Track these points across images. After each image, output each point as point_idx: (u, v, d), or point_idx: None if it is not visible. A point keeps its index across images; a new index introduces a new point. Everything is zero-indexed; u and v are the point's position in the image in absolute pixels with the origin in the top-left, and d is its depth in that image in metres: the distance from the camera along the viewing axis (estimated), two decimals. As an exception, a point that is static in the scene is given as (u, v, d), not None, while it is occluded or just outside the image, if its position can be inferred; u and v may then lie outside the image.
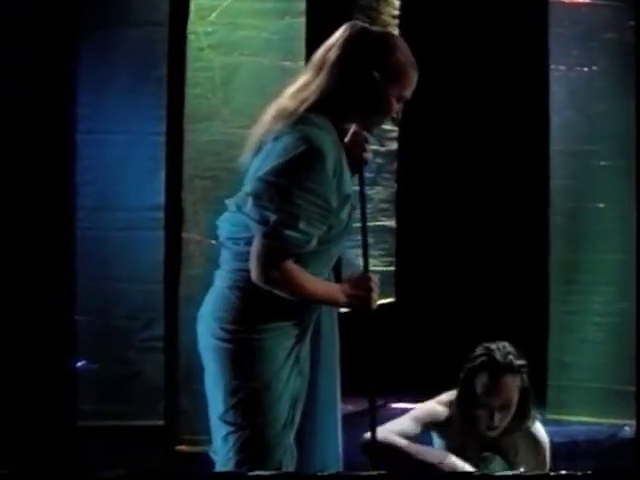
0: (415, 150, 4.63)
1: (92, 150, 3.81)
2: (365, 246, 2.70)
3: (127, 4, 3.81)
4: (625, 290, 3.89)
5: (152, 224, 3.80)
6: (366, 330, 2.56)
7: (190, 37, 3.73)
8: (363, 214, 2.65)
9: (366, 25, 2.54)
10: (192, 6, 3.74)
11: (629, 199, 3.93)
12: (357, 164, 2.59)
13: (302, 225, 2.36)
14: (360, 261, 4.12)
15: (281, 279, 2.37)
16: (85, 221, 3.81)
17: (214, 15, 3.73)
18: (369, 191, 4.22)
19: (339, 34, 2.47)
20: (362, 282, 2.54)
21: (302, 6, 3.70)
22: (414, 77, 2.52)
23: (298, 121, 2.42)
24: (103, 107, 3.81)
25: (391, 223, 4.50)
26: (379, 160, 4.37)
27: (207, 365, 2.47)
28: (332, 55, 2.45)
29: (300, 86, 2.47)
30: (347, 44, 2.45)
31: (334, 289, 2.50)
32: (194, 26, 3.74)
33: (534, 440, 2.89)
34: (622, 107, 3.90)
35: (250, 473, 2.39)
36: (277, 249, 2.36)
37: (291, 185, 2.35)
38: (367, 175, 4.17)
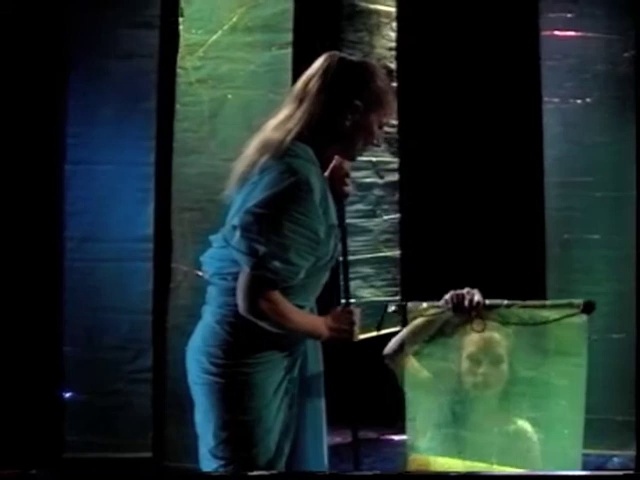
0: (418, 180, 4.72)
1: (81, 181, 3.92)
2: (346, 279, 2.80)
3: (117, 36, 3.93)
4: (620, 321, 3.94)
5: (141, 255, 3.89)
6: (348, 362, 2.68)
7: (179, 72, 3.87)
8: (344, 247, 2.74)
9: (344, 55, 2.65)
10: (181, 41, 3.88)
11: (624, 230, 3.98)
12: (338, 198, 2.68)
13: (291, 256, 2.43)
14: (360, 292, 4.26)
15: (269, 310, 2.44)
16: (74, 252, 3.91)
17: (202, 50, 3.88)
18: (366, 223, 4.37)
19: (318, 65, 2.57)
20: (344, 315, 2.63)
21: (289, 37, 3.83)
22: (393, 103, 2.70)
23: (283, 153, 2.49)
24: (92, 138, 3.92)
25: (394, 254, 4.57)
26: (378, 192, 4.47)
27: (197, 399, 2.55)
28: (313, 86, 2.54)
29: (283, 118, 2.55)
30: (327, 74, 2.55)
31: (318, 322, 2.58)
32: (183, 61, 3.88)
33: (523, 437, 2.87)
34: (616, 139, 3.97)
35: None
36: (266, 281, 2.43)
37: (280, 217, 2.42)
38: (364, 207, 4.39)
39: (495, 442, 2.81)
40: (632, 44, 3.94)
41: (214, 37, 3.87)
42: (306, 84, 2.56)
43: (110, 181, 3.91)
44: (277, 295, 2.45)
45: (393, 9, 4.42)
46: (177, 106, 3.87)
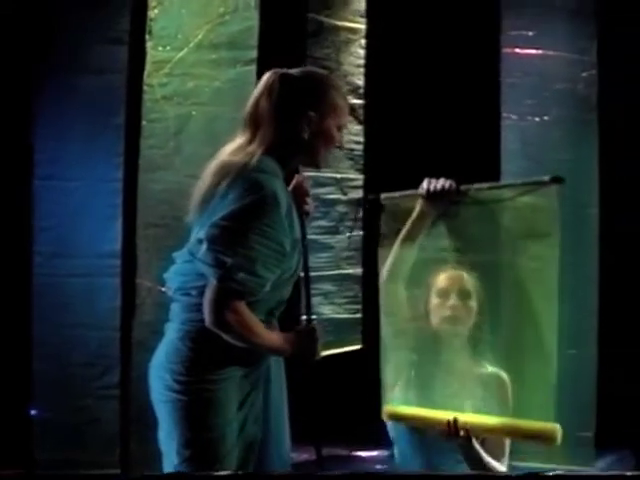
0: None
1: (50, 196, 3.95)
2: (308, 296, 2.86)
3: (86, 52, 3.98)
4: (576, 337, 3.98)
5: (109, 271, 3.92)
6: (309, 379, 2.72)
7: (145, 89, 3.93)
8: (305, 264, 2.80)
9: (285, 70, 2.68)
10: (148, 58, 3.94)
11: (585, 248, 4.04)
12: (299, 216, 2.74)
13: (258, 268, 2.50)
14: (321, 309, 4.31)
15: (235, 322, 2.50)
16: (42, 267, 3.94)
17: (169, 67, 3.95)
18: (329, 239, 4.43)
19: (262, 85, 2.64)
20: (307, 333, 2.70)
21: (254, 54, 3.92)
22: (347, 104, 2.73)
23: (249, 168, 2.56)
24: (61, 154, 3.96)
25: (356, 271, 4.61)
26: (341, 209, 4.53)
27: (160, 417, 2.60)
28: (263, 107, 2.61)
29: (242, 143, 2.61)
30: (273, 93, 2.62)
31: (280, 338, 2.64)
32: (150, 78, 3.94)
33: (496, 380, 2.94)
34: (575, 157, 4.06)
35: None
36: (233, 292, 2.49)
37: (246, 229, 2.49)
38: (327, 224, 4.44)
39: (466, 388, 2.89)
40: (591, 64, 4.04)
41: (180, 54, 3.95)
42: (256, 106, 2.62)
43: (79, 197, 3.94)
44: (243, 307, 2.51)
45: (362, 26, 4.48)
46: (143, 123, 3.92)
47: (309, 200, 2.85)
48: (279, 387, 2.71)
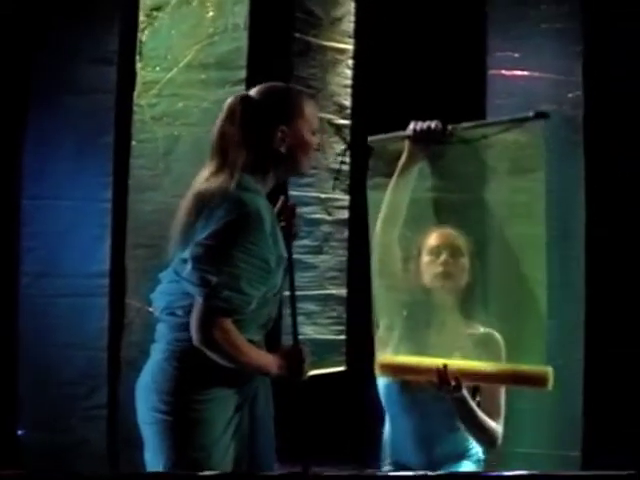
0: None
1: (38, 216, 3.99)
2: (294, 316, 2.87)
3: (75, 72, 4.03)
4: (562, 353, 4.00)
5: (97, 291, 3.96)
6: (297, 399, 2.73)
7: (135, 109, 3.98)
8: (292, 284, 2.83)
9: (244, 93, 2.72)
10: (138, 79, 3.99)
11: (571, 269, 4.02)
12: (286, 237, 2.76)
13: (243, 286, 2.52)
14: (303, 329, 4.33)
15: (222, 341, 2.51)
16: (30, 287, 3.98)
17: (158, 87, 4.00)
18: (312, 259, 4.44)
19: (225, 112, 2.65)
20: (293, 353, 2.72)
21: (242, 74, 3.96)
22: (313, 106, 2.75)
23: (231, 188, 2.57)
24: (50, 173, 4.00)
25: (340, 292, 4.62)
26: (326, 229, 4.55)
27: (147, 438, 2.61)
28: (230, 134, 2.62)
29: (213, 171, 2.62)
30: (235, 118, 2.63)
31: (268, 358, 2.66)
32: (139, 98, 4.00)
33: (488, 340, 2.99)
34: (561, 178, 4.00)
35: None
36: (219, 310, 2.51)
37: (231, 247, 2.51)
38: (310, 243, 4.44)
39: (459, 347, 2.94)
40: (577, 84, 4.04)
41: (169, 75, 4.00)
42: (222, 134, 2.64)
43: (67, 217, 3.97)
44: (230, 326, 2.53)
45: (350, 46, 4.51)
46: (133, 143, 3.97)
47: (295, 222, 2.87)
48: (266, 407, 2.73)
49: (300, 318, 4.21)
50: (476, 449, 3.09)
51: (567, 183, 4.06)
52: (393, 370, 2.99)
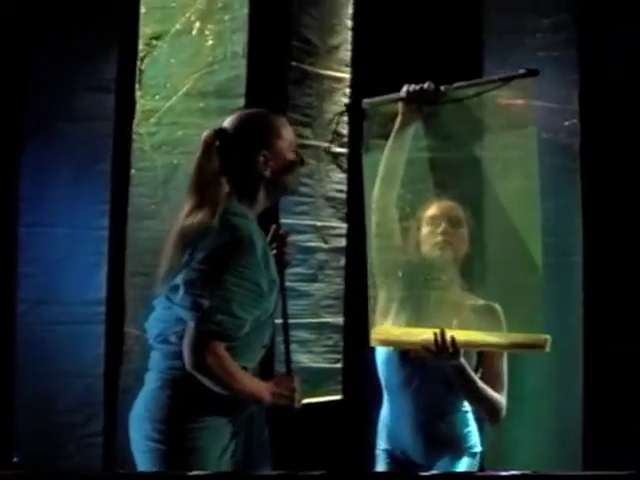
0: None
1: (35, 243, 4.00)
2: (287, 345, 2.91)
3: (72, 99, 4.05)
4: (561, 387, 4.04)
5: (94, 318, 3.97)
6: (289, 428, 2.77)
7: (134, 138, 4.01)
8: (284, 312, 2.86)
9: (218, 126, 2.77)
10: (137, 107, 4.03)
11: (569, 296, 4.06)
12: (279, 265, 2.81)
13: (235, 309, 2.55)
14: (297, 357, 4.33)
15: (215, 366, 2.54)
16: (26, 314, 3.99)
17: (157, 116, 4.04)
18: (306, 287, 4.42)
19: (203, 147, 2.70)
20: (285, 381, 2.75)
21: (241, 102, 4.00)
22: (288, 125, 2.80)
23: (221, 213, 2.63)
24: (47, 200, 4.02)
25: (336, 320, 4.60)
26: (321, 256, 4.53)
27: (141, 467, 2.63)
28: (209, 167, 2.67)
29: (194, 206, 2.66)
30: (211, 154, 2.69)
31: (260, 385, 2.68)
32: (139, 127, 4.03)
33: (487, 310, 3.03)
34: (557, 206, 4.05)
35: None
36: (212, 334, 2.54)
37: (222, 271, 2.55)
38: (305, 271, 4.43)
39: (458, 317, 2.99)
40: (574, 113, 4.10)
41: (169, 103, 4.04)
42: (200, 169, 2.69)
43: (64, 244, 3.99)
44: (223, 351, 2.56)
45: (346, 75, 4.51)
46: (132, 171, 4.00)
47: (287, 250, 2.91)
48: (261, 434, 2.75)
49: (294, 346, 4.26)
50: (475, 440, 3.10)
51: (564, 211, 4.09)
52: (389, 340, 3.02)
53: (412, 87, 3.05)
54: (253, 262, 2.59)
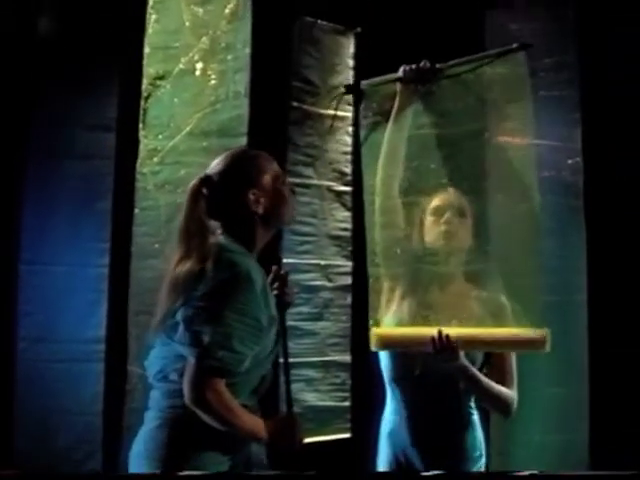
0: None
1: (35, 280, 4.03)
2: (288, 384, 2.93)
3: (74, 138, 4.10)
4: (567, 424, 4.04)
5: (93, 356, 3.99)
6: (289, 467, 2.74)
7: (138, 177, 4.06)
8: (285, 353, 2.87)
9: (203, 174, 2.79)
10: (141, 147, 4.07)
11: (573, 334, 4.08)
12: (279, 306, 2.84)
13: (235, 344, 2.57)
14: (303, 396, 4.32)
15: (215, 402, 2.55)
16: (26, 352, 4.00)
17: (161, 155, 4.08)
18: (311, 326, 4.42)
19: (189, 199, 2.72)
20: (286, 422, 2.76)
21: (244, 141, 4.03)
22: (270, 158, 2.82)
23: (218, 251, 2.66)
24: (47, 238, 4.04)
25: (344, 358, 4.59)
26: (326, 295, 4.53)
27: None
28: (198, 215, 2.69)
29: (183, 255, 2.66)
30: (209, 198, 2.71)
31: (260, 423, 2.68)
32: (142, 166, 4.07)
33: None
34: (561, 243, 4.12)
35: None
36: (212, 370, 2.56)
37: (222, 307, 2.57)
38: (309, 310, 4.41)
39: (463, 305, 3.02)
40: (576, 151, 4.15)
41: (172, 142, 4.08)
42: (188, 218, 2.71)
43: (63, 281, 4.02)
44: (223, 387, 2.57)
45: (349, 114, 4.51)
46: (136, 210, 4.04)
47: (289, 290, 2.94)
48: (260, 471, 2.76)
49: (300, 385, 4.29)
50: (480, 450, 3.09)
51: (569, 249, 4.14)
52: (389, 342, 3.04)
53: (409, 67, 3.14)
54: (252, 298, 2.62)
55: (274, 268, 2.94)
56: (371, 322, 3.12)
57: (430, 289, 3.10)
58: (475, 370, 2.97)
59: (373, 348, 3.08)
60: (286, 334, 2.86)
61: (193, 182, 2.75)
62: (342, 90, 3.56)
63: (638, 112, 4.22)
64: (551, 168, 4.12)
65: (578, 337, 4.09)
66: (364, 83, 3.32)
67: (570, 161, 4.16)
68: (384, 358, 3.14)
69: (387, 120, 3.23)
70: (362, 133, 3.30)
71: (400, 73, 3.19)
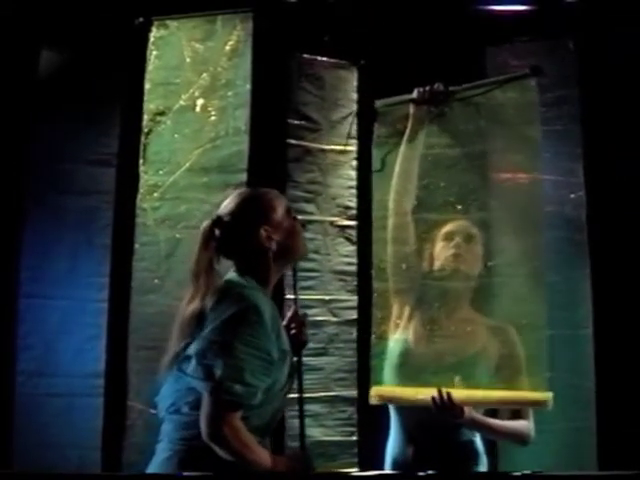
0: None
1: (34, 315, 4.09)
2: (302, 420, 3.03)
3: (73, 173, 4.19)
4: (576, 458, 4.05)
5: (92, 391, 4.05)
6: None
7: (138, 212, 4.13)
8: (300, 389, 2.97)
9: (215, 216, 2.91)
10: (141, 182, 4.16)
11: (580, 368, 4.10)
12: (297, 346, 2.96)
13: (247, 377, 2.67)
14: (309, 431, 4.34)
15: (231, 436, 2.64)
16: (24, 386, 4.04)
17: (161, 190, 4.16)
18: (316, 361, 4.43)
19: (201, 241, 2.84)
20: (300, 457, 2.86)
21: (243, 177, 4.11)
22: (279, 194, 2.95)
23: (228, 286, 2.78)
24: (46, 272, 4.11)
25: (350, 393, 4.58)
26: (331, 330, 4.55)
27: None
28: (204, 260, 2.81)
29: (192, 295, 2.79)
30: (221, 238, 2.83)
31: (273, 458, 2.76)
32: (142, 202, 4.15)
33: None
34: (566, 277, 4.15)
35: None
36: (225, 403, 2.65)
37: (233, 340, 2.68)
38: (313, 345, 4.38)
39: (470, 331, 3.13)
40: (579, 185, 4.19)
41: (172, 178, 4.17)
42: (198, 260, 2.84)
43: (62, 316, 4.09)
44: (239, 422, 2.67)
45: (353, 147, 4.50)
46: (136, 246, 4.11)
47: (305, 330, 3.06)
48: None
49: (306, 420, 4.29)
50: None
51: (573, 284, 4.16)
52: (390, 398, 3.09)
53: (423, 88, 3.25)
54: (262, 331, 2.72)
55: (292, 309, 3.06)
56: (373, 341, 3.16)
57: (437, 311, 3.17)
58: (483, 418, 3.01)
59: (373, 402, 3.14)
60: (302, 373, 2.97)
61: (205, 223, 2.87)
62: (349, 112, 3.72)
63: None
64: (554, 203, 4.17)
65: (584, 371, 4.11)
66: (378, 103, 3.47)
67: (573, 195, 4.20)
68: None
69: (400, 139, 3.41)
70: (374, 150, 3.50)
71: (414, 94, 3.31)
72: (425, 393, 3.01)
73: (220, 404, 2.64)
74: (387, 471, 3.21)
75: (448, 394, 2.95)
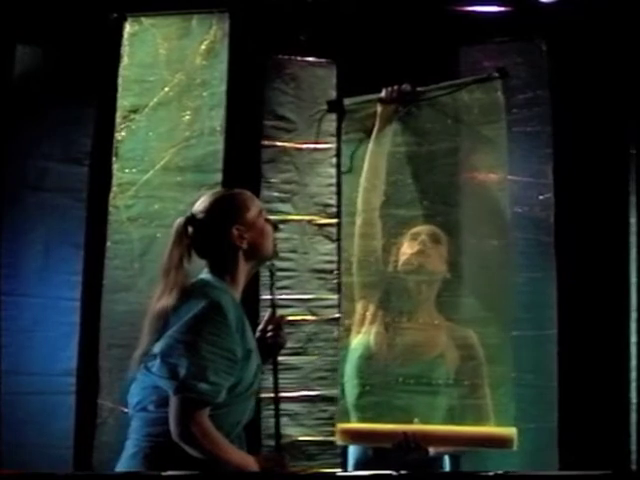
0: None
1: (9, 312, 4.14)
2: (277, 421, 3.12)
3: (47, 171, 4.23)
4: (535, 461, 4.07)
5: (65, 389, 4.09)
6: None
7: (111, 210, 4.17)
8: (275, 389, 3.07)
9: (188, 214, 3.00)
10: (114, 180, 4.19)
11: (544, 369, 4.16)
12: (274, 348, 3.07)
13: (211, 376, 2.75)
14: (287, 430, 4.37)
15: (200, 435, 2.71)
16: (6, 385, 4.08)
17: (134, 189, 4.19)
18: (294, 361, 4.42)
19: (174, 238, 2.94)
20: (274, 458, 2.93)
21: (218, 178, 4.14)
22: (252, 195, 3.05)
23: (195, 286, 2.87)
24: (22, 270, 4.16)
25: (331, 392, 4.48)
26: (310, 329, 4.50)
27: None
28: (175, 256, 2.91)
29: (162, 291, 2.88)
30: (194, 236, 2.92)
31: (248, 458, 2.85)
32: (115, 200, 4.19)
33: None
34: (532, 279, 4.19)
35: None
36: (190, 402, 2.72)
37: (196, 339, 2.77)
38: (291, 345, 4.31)
39: (433, 343, 3.25)
40: (548, 187, 4.23)
41: (146, 176, 4.20)
42: (170, 256, 2.93)
43: (35, 314, 4.14)
44: (207, 420, 2.74)
45: (332, 145, 4.44)
46: (108, 244, 4.15)
47: (282, 333, 3.15)
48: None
49: (283, 420, 4.27)
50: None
51: (538, 285, 4.20)
52: (354, 436, 3.18)
53: (390, 88, 3.35)
54: (226, 329, 2.80)
55: (269, 312, 3.16)
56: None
57: (400, 310, 3.27)
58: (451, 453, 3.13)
59: (338, 441, 3.22)
60: (277, 375, 3.07)
61: (178, 221, 2.97)
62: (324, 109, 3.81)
63: (610, 147, 4.35)
64: (522, 204, 4.22)
65: (548, 372, 4.16)
66: (347, 101, 3.59)
67: (541, 197, 4.26)
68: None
69: (368, 137, 3.55)
70: (343, 147, 3.66)
71: (382, 94, 3.42)
72: (391, 428, 3.10)
73: (186, 402, 2.72)
74: (371, 472, 3.26)
75: (413, 436, 3.03)
